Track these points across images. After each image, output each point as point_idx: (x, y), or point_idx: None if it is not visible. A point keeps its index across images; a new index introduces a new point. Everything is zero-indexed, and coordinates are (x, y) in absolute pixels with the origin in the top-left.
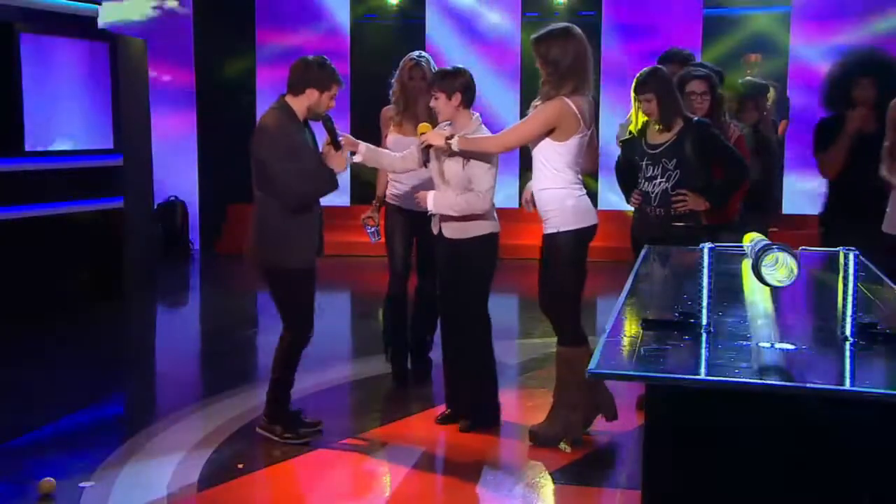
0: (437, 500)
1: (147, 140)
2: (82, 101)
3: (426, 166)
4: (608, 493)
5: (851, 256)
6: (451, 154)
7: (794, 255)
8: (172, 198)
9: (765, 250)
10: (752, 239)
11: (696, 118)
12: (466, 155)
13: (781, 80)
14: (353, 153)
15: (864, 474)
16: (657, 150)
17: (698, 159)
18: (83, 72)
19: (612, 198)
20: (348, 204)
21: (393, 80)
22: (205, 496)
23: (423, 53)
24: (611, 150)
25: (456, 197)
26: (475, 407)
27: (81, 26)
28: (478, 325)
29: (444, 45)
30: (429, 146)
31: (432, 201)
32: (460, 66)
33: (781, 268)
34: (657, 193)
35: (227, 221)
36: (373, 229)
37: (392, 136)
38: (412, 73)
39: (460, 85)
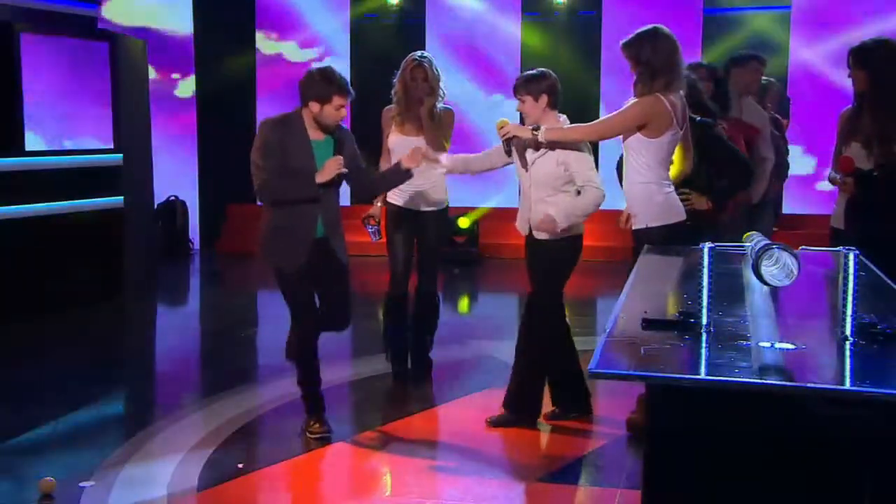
0: (435, 500)
1: (147, 140)
2: (82, 101)
3: (509, 155)
4: (608, 493)
5: (851, 256)
6: (538, 146)
7: (795, 255)
8: (172, 197)
9: (765, 250)
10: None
11: (699, 118)
12: (555, 145)
13: (781, 79)
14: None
15: (864, 474)
16: None
17: (701, 159)
18: (83, 72)
19: (612, 197)
20: (348, 204)
21: (395, 81)
22: (204, 496)
23: (426, 53)
24: (612, 149)
25: (576, 201)
26: (522, 403)
27: (81, 26)
28: (555, 323)
29: (444, 45)
30: (511, 138)
31: (564, 219)
32: (545, 69)
33: (781, 267)
34: None
35: (226, 221)
36: (373, 229)
37: (393, 137)
38: (414, 73)
39: (546, 87)
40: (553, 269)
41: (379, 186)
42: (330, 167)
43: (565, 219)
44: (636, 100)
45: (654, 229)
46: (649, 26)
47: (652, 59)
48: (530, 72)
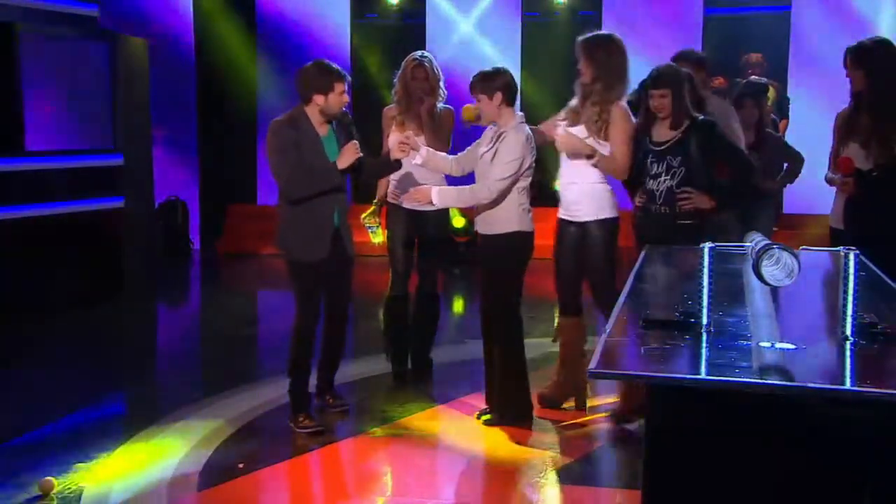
0: (436, 500)
1: (147, 140)
2: (83, 101)
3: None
4: (608, 493)
5: (852, 256)
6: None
7: (795, 255)
8: (173, 197)
9: (765, 250)
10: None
11: (701, 117)
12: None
13: (782, 79)
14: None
15: (865, 474)
16: (662, 148)
17: (703, 158)
18: (84, 71)
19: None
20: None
21: (395, 80)
22: (205, 496)
23: (426, 53)
24: None
25: (462, 189)
26: (504, 404)
27: (82, 26)
28: (504, 323)
29: (444, 45)
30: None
31: (437, 196)
32: (500, 66)
33: (782, 267)
34: (662, 191)
35: (227, 221)
36: (374, 228)
37: (394, 137)
38: (415, 73)
39: (501, 85)
40: (494, 265)
41: (370, 173)
42: (349, 152)
43: (438, 196)
44: (618, 121)
45: (609, 220)
46: (606, 32)
47: (611, 63)
48: (485, 70)
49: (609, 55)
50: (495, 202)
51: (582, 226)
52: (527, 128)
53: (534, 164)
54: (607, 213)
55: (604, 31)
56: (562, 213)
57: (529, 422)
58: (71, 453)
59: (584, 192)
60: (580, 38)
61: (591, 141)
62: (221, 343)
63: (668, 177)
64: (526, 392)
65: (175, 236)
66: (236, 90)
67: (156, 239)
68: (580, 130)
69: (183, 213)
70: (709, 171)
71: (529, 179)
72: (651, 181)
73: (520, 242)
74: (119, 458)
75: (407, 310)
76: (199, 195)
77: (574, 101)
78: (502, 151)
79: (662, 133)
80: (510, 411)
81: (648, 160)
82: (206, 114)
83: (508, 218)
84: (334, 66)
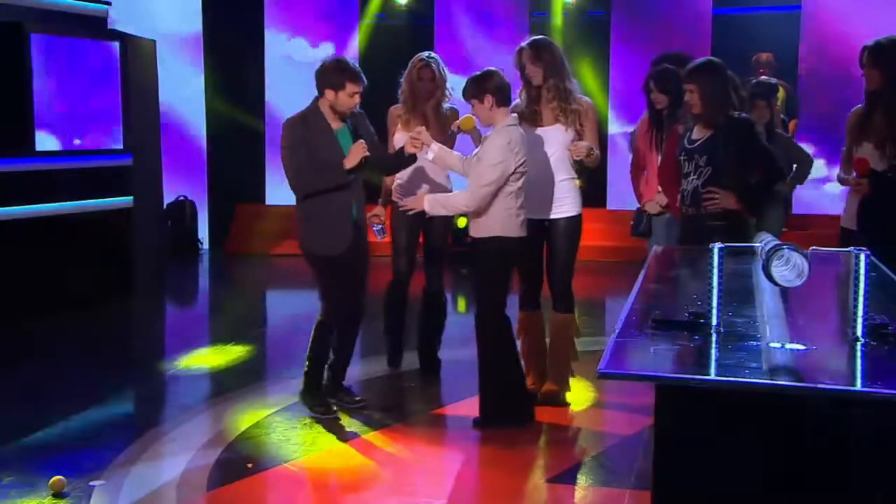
0: (444, 500)
1: (156, 140)
2: (92, 101)
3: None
4: (617, 494)
5: (862, 257)
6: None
7: (805, 255)
8: (181, 197)
9: (775, 250)
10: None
11: (737, 114)
12: (477, 138)
13: (791, 80)
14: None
15: (876, 475)
16: (693, 146)
17: (734, 158)
18: (93, 72)
19: (618, 197)
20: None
21: (402, 80)
22: (214, 496)
23: (433, 54)
24: (619, 149)
25: (449, 196)
26: (485, 406)
27: (91, 26)
28: (486, 326)
29: (451, 45)
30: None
31: (428, 204)
32: (490, 68)
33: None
34: (689, 191)
35: (235, 221)
36: (378, 227)
37: (399, 136)
38: (421, 73)
39: (491, 87)
40: (478, 268)
41: (386, 168)
42: (356, 152)
43: (429, 203)
44: (588, 108)
45: (579, 216)
46: (544, 37)
47: (556, 62)
48: (475, 73)
49: (552, 55)
50: (483, 208)
51: (554, 222)
52: (516, 129)
53: (524, 168)
54: (580, 208)
55: (541, 36)
56: (532, 214)
57: (519, 422)
58: (80, 452)
59: (569, 188)
60: (524, 44)
61: (570, 133)
62: (230, 343)
63: (696, 176)
64: (511, 394)
65: (184, 236)
66: (245, 89)
67: (164, 239)
68: (557, 129)
69: (191, 212)
70: (740, 171)
71: (519, 183)
72: (683, 181)
73: (501, 247)
74: (129, 457)
75: (408, 295)
76: (208, 195)
77: (521, 104)
78: (483, 156)
79: (698, 131)
80: (494, 413)
81: (682, 159)
82: (215, 113)
83: (492, 222)
84: (353, 66)
